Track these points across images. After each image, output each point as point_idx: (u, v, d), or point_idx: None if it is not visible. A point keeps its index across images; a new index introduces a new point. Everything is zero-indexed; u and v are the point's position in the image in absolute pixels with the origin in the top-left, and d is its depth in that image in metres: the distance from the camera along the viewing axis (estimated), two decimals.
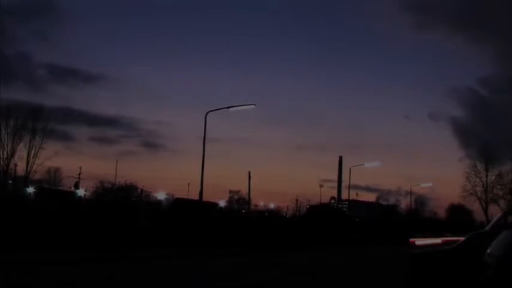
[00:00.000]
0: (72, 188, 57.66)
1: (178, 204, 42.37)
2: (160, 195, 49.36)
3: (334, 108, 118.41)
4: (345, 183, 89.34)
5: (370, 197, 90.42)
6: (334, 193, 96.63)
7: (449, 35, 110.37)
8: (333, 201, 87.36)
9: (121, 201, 30.01)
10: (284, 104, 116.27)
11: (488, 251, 7.33)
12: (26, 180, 48.24)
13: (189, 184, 60.31)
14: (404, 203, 72.94)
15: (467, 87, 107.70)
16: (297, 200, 68.84)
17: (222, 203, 57.84)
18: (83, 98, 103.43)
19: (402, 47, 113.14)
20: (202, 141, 27.70)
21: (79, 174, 62.48)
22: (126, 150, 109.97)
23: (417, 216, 65.03)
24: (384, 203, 79.27)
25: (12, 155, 47.16)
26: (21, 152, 47.56)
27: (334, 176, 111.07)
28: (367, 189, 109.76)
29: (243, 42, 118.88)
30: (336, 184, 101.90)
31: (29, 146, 47.75)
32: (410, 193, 67.18)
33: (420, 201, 71.17)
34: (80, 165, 61.70)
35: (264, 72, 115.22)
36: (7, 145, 46.75)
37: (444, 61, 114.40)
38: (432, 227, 53.21)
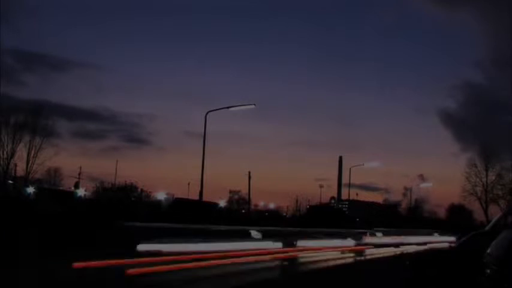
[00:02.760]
0: (72, 188, 57.77)
1: (178, 204, 42.47)
2: (160, 195, 49.47)
3: (332, 105, 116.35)
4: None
5: (369, 197, 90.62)
6: (331, 192, 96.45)
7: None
8: (333, 201, 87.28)
9: (121, 201, 30.03)
10: (282, 102, 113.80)
11: (488, 251, 7.33)
12: (26, 180, 48.27)
13: (189, 184, 60.30)
14: (404, 203, 72.91)
15: (471, 83, 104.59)
16: (297, 200, 68.97)
17: (222, 203, 57.94)
18: (56, 88, 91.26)
19: (401, 38, 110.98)
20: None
21: (79, 174, 62.59)
22: (110, 146, 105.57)
23: (417, 216, 65.16)
24: (382, 202, 79.48)
25: (12, 155, 47.16)
26: (21, 152, 47.54)
27: (330, 175, 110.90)
28: (363, 187, 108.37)
29: (227, 32, 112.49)
30: (332, 183, 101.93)
31: (29, 146, 47.76)
32: (410, 193, 67.30)
33: (420, 202, 71.04)
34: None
35: (259, 66, 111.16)
36: (7, 145, 46.76)
37: (444, 53, 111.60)
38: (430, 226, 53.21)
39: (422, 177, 70.34)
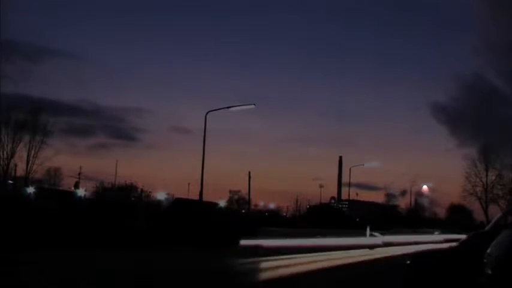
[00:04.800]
0: (72, 188, 57.74)
1: (178, 204, 42.40)
2: (160, 195, 49.45)
3: (332, 103, 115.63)
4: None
5: (369, 196, 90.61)
6: (330, 191, 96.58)
7: None
8: (333, 201, 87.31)
9: (121, 201, 30.03)
10: (279, 100, 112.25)
11: (488, 251, 7.33)
12: (26, 180, 48.27)
13: (189, 184, 60.31)
14: (404, 203, 72.82)
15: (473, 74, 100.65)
16: (297, 200, 69.05)
17: (222, 203, 57.91)
18: (35, 80, 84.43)
19: (403, 31, 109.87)
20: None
21: (79, 174, 62.61)
22: (97, 143, 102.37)
23: (417, 216, 65.11)
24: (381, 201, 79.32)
25: (12, 155, 47.20)
26: (21, 152, 47.56)
27: (328, 173, 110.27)
28: (362, 186, 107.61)
29: (222, 28, 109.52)
30: (329, 182, 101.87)
31: (29, 146, 47.78)
32: (410, 193, 67.25)
33: (420, 202, 70.93)
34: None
35: (256, 64, 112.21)
36: (7, 145, 46.79)
37: (443, 49, 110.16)
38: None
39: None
